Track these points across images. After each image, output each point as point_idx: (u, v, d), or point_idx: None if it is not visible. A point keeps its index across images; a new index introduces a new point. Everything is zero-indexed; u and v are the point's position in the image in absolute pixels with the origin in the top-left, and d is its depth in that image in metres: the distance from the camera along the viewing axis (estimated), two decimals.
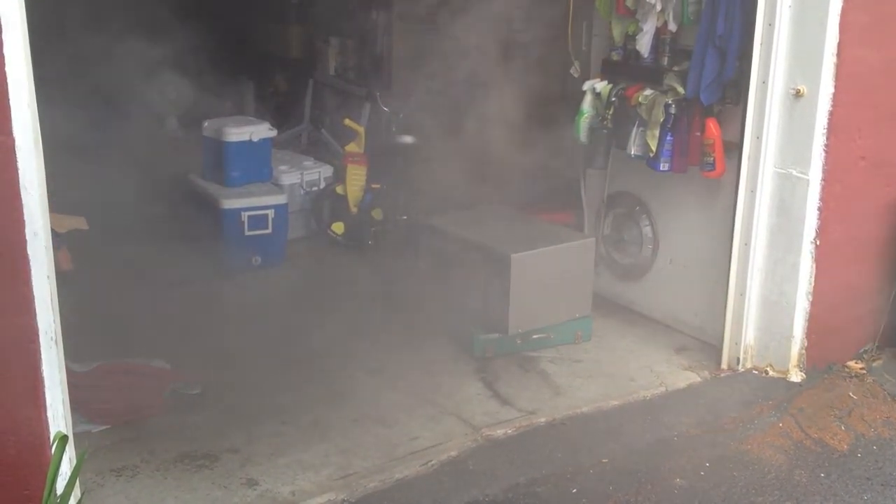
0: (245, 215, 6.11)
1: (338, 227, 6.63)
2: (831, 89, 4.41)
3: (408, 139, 6.66)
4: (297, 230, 6.69)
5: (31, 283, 2.92)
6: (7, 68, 2.73)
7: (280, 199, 6.28)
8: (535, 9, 6.56)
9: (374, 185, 6.65)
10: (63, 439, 2.59)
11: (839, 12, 4.33)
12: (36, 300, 2.94)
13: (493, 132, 6.76)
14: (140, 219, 6.46)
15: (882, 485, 3.97)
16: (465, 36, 6.58)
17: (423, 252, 5.56)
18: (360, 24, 8.33)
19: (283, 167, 6.73)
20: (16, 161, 2.80)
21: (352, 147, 6.70)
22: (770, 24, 4.46)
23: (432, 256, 5.45)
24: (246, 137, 6.35)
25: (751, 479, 3.98)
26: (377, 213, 6.69)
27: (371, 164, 6.71)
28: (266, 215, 6.16)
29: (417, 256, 5.61)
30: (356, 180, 6.63)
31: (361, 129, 6.75)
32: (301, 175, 6.73)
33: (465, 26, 6.40)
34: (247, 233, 6.13)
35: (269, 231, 6.19)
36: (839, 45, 4.36)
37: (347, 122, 6.81)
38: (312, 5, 9.10)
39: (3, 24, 2.69)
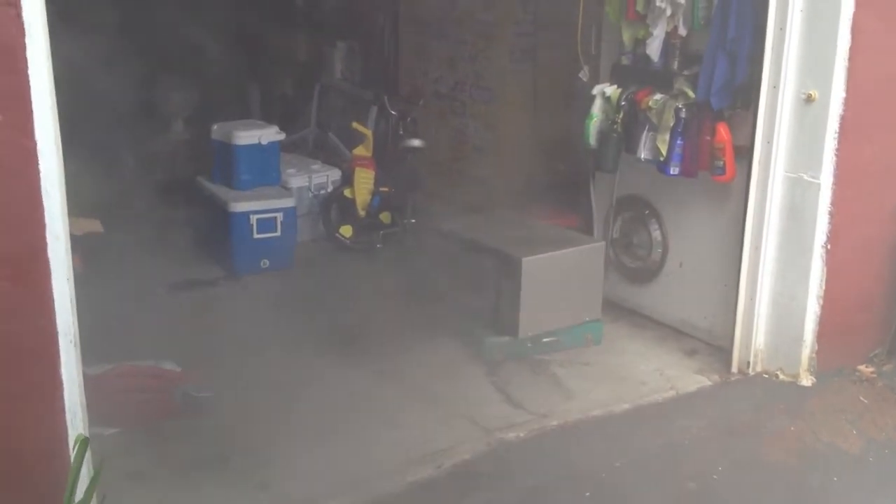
0: (254, 218, 6.12)
1: (346, 231, 6.64)
2: (843, 94, 4.42)
3: (416, 142, 6.66)
4: (305, 233, 6.69)
5: (51, 286, 2.93)
6: (30, 71, 2.74)
7: (289, 203, 6.29)
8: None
9: (382, 189, 6.65)
10: (84, 442, 2.59)
11: (851, 17, 4.33)
12: (56, 303, 2.95)
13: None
14: (148, 221, 6.48)
15: None
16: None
17: (433, 255, 5.56)
18: (367, 27, 8.33)
19: (291, 170, 6.73)
20: (38, 164, 2.81)
21: (360, 150, 6.70)
22: (781, 29, 4.47)
23: (442, 260, 5.45)
24: (255, 141, 6.36)
25: (764, 482, 3.99)
26: (385, 217, 6.69)
27: (379, 168, 6.71)
28: (275, 218, 6.17)
29: (427, 260, 5.62)
30: (364, 184, 6.63)
31: (369, 133, 6.75)
32: (309, 178, 6.74)
33: None
34: (255, 236, 6.13)
35: (277, 234, 6.19)
36: (851, 49, 4.36)
37: (355, 125, 6.81)
38: (319, 10, 9.10)
39: (26, 29, 2.71)
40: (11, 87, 2.73)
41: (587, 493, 3.88)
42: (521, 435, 4.31)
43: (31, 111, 2.77)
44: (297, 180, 6.68)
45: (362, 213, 6.65)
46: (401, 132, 6.86)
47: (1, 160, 2.74)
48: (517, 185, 6.69)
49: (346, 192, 6.68)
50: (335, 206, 6.72)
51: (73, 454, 2.67)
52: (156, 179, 7.29)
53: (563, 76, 6.31)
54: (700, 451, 4.22)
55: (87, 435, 3.08)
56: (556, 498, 3.88)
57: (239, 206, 6.13)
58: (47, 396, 3.00)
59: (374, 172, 6.66)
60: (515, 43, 6.92)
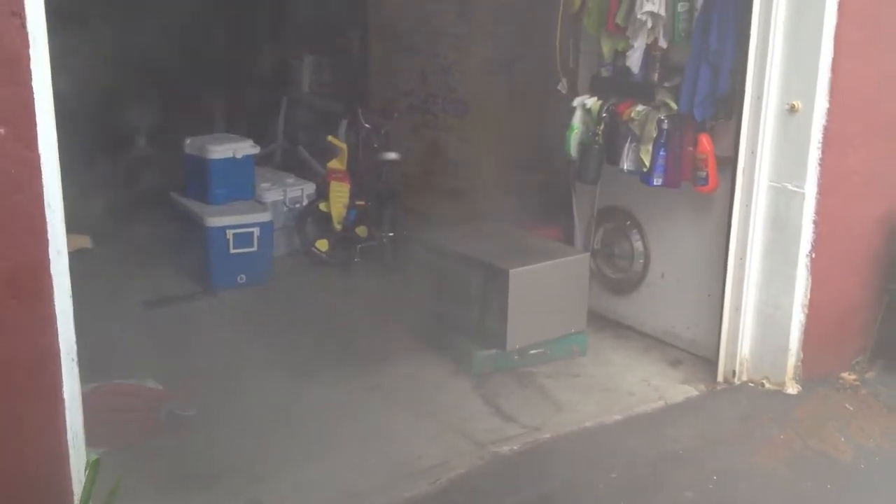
0: (230, 233, 6.04)
1: (322, 245, 6.58)
2: (826, 104, 4.47)
3: (392, 155, 6.62)
4: (281, 248, 6.62)
5: (53, 303, 2.86)
6: (34, 83, 2.67)
7: (265, 217, 6.22)
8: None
9: (358, 202, 6.60)
10: (95, 464, 2.52)
11: (833, 28, 4.39)
12: (58, 321, 2.88)
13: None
14: (120, 237, 6.36)
15: (892, 494, 4.01)
16: None
17: (413, 268, 5.53)
18: (336, 40, 8.29)
19: (265, 184, 6.66)
20: (41, 178, 2.74)
21: (334, 164, 6.65)
22: (764, 40, 4.52)
23: (423, 273, 5.42)
24: (229, 154, 6.29)
25: (759, 491, 4.01)
26: (362, 231, 6.64)
27: (353, 181, 6.66)
28: (251, 233, 6.10)
29: (408, 273, 5.59)
30: (340, 197, 6.58)
31: (344, 146, 6.70)
32: (284, 192, 6.67)
33: None
34: (232, 251, 6.06)
35: (254, 249, 6.12)
36: (834, 60, 4.42)
37: (331, 138, 6.76)
38: (285, 23, 9.05)
39: (31, 40, 2.64)
40: (16, 98, 2.66)
41: None
42: (515, 448, 4.28)
43: (35, 123, 2.70)
44: (271, 194, 6.61)
45: (338, 226, 6.59)
46: (375, 145, 6.82)
47: (6, 173, 2.66)
48: (495, 197, 6.68)
49: (322, 206, 6.62)
50: (310, 219, 6.66)
51: (83, 476, 2.59)
52: (124, 195, 7.16)
53: (539, 88, 6.31)
54: (693, 460, 4.23)
55: (89, 457, 3.01)
56: None
57: (215, 221, 6.05)
58: (49, 416, 2.92)
59: (349, 186, 6.61)
60: (489, 55, 6.91)
